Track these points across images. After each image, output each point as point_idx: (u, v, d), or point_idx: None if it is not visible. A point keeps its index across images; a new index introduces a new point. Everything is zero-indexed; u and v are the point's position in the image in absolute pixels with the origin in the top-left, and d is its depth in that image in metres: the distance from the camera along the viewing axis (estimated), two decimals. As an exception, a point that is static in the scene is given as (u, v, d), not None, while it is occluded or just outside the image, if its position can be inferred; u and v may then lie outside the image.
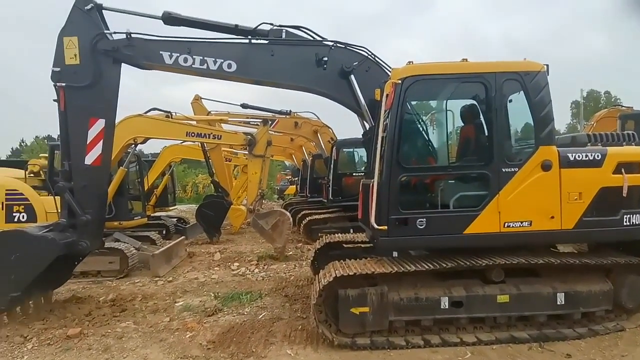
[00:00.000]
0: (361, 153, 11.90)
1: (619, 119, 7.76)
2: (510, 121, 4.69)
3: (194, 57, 5.32)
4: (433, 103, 5.29)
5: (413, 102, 4.82)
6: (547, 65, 4.60)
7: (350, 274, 4.42)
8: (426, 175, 4.74)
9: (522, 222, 4.50)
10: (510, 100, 4.71)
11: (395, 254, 5.24)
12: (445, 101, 4.90)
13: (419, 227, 4.48)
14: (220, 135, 8.80)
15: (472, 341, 4.43)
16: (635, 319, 4.62)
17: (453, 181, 4.69)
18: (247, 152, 9.19)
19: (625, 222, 4.52)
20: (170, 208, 14.60)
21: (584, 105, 40.74)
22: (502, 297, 4.53)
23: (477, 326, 4.63)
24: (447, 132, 4.62)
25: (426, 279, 4.64)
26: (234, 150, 14.59)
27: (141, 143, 8.81)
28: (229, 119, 10.90)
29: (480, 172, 4.58)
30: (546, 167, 4.49)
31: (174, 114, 9.05)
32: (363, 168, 11.72)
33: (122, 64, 5.64)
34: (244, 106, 10.98)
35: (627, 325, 4.52)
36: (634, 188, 4.49)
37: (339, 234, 6.96)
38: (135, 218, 9.40)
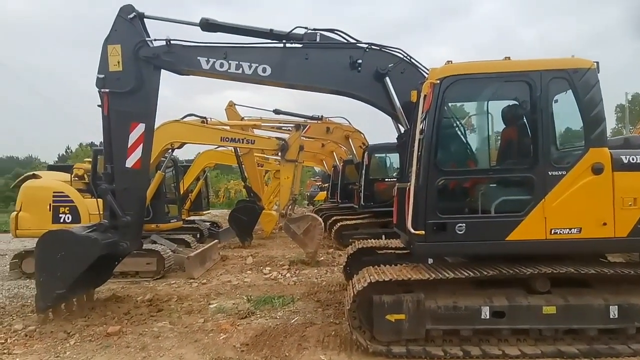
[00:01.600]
0: (393, 158, 11.73)
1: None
2: (556, 122, 4.44)
3: (229, 62, 5.41)
4: (473, 104, 5.10)
5: (452, 103, 4.67)
6: (597, 63, 4.34)
7: (385, 279, 4.30)
8: (466, 179, 4.56)
9: (570, 229, 4.23)
10: (556, 101, 4.47)
11: (430, 260, 5.09)
12: (486, 102, 4.71)
13: (458, 232, 4.31)
14: (254, 140, 8.92)
15: (516, 354, 4.19)
16: None
17: (495, 185, 4.49)
18: (279, 157, 9.25)
19: (686, 230, 4.15)
20: (204, 212, 14.92)
21: (629, 109, 38.55)
22: (548, 309, 4.26)
23: (521, 338, 4.38)
24: (488, 134, 4.42)
25: (465, 287, 4.45)
26: (266, 156, 14.77)
27: (178, 148, 9.06)
28: (262, 124, 11.05)
29: (524, 175, 4.36)
30: (597, 170, 4.21)
31: (209, 119, 9.26)
32: (395, 174, 11.54)
33: (162, 70, 5.82)
34: (276, 112, 11.09)
35: None
36: (697, 193, 4.12)
37: (372, 240, 6.83)
38: (171, 221, 9.65)
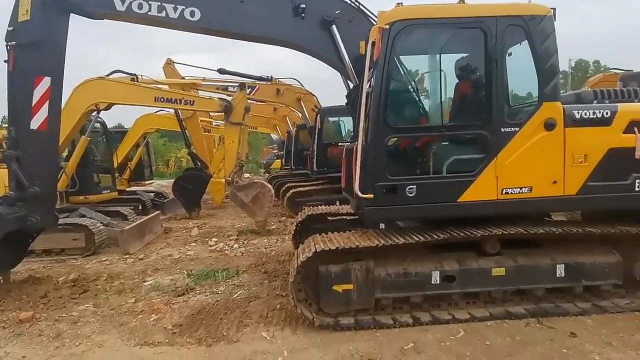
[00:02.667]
0: (347, 122, 11.31)
1: (620, 80, 7.27)
2: (510, 77, 4.14)
3: (150, 2, 4.60)
4: (426, 53, 4.69)
5: (403, 51, 4.22)
6: (554, 9, 4.04)
7: (332, 248, 3.95)
8: (417, 137, 4.21)
9: (521, 189, 4.05)
10: (510, 54, 4.17)
11: (382, 225, 4.81)
12: (439, 51, 4.31)
13: (409, 195, 4.00)
14: (193, 101, 8.10)
15: (465, 318, 4.05)
16: None
17: (447, 143, 4.18)
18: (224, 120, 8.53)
19: (637, 187, 4.10)
20: (147, 182, 13.90)
21: (572, 75, 40.41)
22: (497, 270, 4.13)
23: (470, 302, 4.25)
24: (441, 87, 4.06)
25: (416, 253, 4.20)
26: (213, 121, 13.86)
27: (104, 109, 8.01)
28: (203, 83, 10.10)
29: (477, 132, 4.08)
30: (550, 126, 4.00)
31: (140, 77, 8.25)
32: (350, 138, 11.18)
33: (74, 15, 4.96)
34: (220, 71, 10.15)
35: None
36: (645, 149, 4.04)
37: (323, 206, 6.47)
38: (103, 192, 8.75)
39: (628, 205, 4.20)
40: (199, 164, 11.51)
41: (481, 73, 4.06)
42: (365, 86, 3.98)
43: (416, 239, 3.98)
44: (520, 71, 4.26)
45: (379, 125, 3.93)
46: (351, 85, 5.33)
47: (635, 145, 4.04)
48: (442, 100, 4.12)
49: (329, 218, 6.23)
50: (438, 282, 4.09)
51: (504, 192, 4.04)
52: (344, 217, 6.08)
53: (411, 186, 3.99)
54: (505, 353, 3.44)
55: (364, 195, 3.94)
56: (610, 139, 4.08)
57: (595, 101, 4.36)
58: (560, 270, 4.16)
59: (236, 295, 5.08)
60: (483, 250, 4.21)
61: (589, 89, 6.44)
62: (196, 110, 9.87)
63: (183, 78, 10.35)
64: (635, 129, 4.06)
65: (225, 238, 8.43)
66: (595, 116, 4.07)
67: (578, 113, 4.06)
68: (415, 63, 4.57)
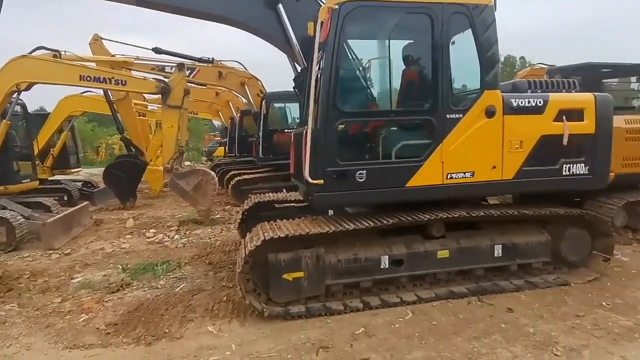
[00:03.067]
0: (294, 108, 11.11)
1: (547, 73, 7.86)
2: (453, 64, 4.23)
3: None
4: (375, 37, 4.66)
5: (353, 33, 4.15)
6: (495, 0, 4.17)
7: (281, 235, 3.83)
8: (367, 122, 4.18)
9: (464, 173, 4.19)
10: (453, 42, 4.26)
11: (330, 212, 4.77)
12: (388, 35, 4.29)
13: (359, 180, 3.97)
14: (125, 81, 7.42)
15: (412, 300, 4.15)
16: (581, 274, 4.60)
17: (396, 129, 4.21)
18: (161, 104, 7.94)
19: (565, 171, 4.42)
20: (74, 170, 12.70)
21: (501, 69, 43.14)
22: (442, 253, 4.28)
23: (417, 284, 4.37)
24: (390, 72, 4.06)
25: (365, 238, 4.21)
26: (149, 104, 12.96)
27: (25, 90, 7.10)
28: (137, 62, 9.29)
29: (424, 118, 4.14)
30: (490, 113, 4.17)
31: (63, 53, 7.39)
32: (297, 123, 11.00)
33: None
34: (156, 51, 9.40)
35: (572, 280, 4.49)
36: (573, 137, 4.36)
37: (270, 193, 6.29)
38: (23, 181, 7.82)
39: (557, 188, 4.53)
40: (134, 150, 10.70)
41: (428, 60, 4.10)
42: (315, 69, 3.85)
43: (366, 224, 3.98)
44: (463, 59, 4.37)
45: (329, 110, 3.84)
46: (299, 69, 5.17)
47: (564, 132, 4.34)
48: (391, 85, 4.11)
49: (277, 205, 6.08)
50: (387, 266, 4.14)
51: (449, 177, 4.15)
52: (292, 204, 5.97)
53: (361, 171, 3.96)
54: (450, 331, 3.56)
55: (314, 181, 3.85)
56: (542, 126, 4.35)
57: (529, 91, 4.61)
58: (498, 251, 4.40)
59: (178, 288, 4.79)
60: (429, 233, 4.32)
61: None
62: (129, 92, 9.11)
63: (113, 56, 9.47)
64: (564, 117, 4.37)
65: (165, 229, 7.96)
66: (530, 105, 4.31)
67: (515, 101, 4.27)
68: (365, 47, 4.52)
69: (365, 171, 3.96)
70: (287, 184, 10.43)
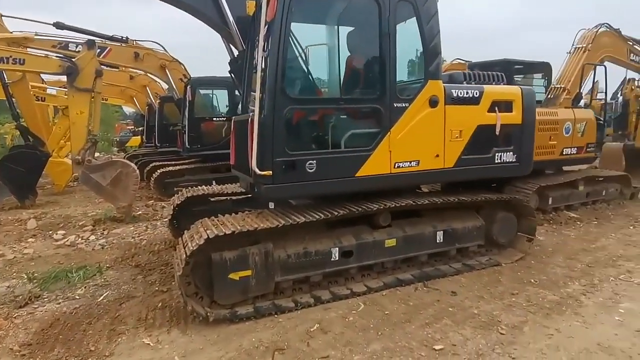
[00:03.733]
0: (222, 95, 10.51)
1: (468, 68, 8.37)
2: (400, 53, 4.22)
3: None
4: (323, 20, 4.47)
5: (300, 15, 3.91)
6: (438, -9, 4.23)
7: (227, 232, 3.51)
8: (316, 109, 3.99)
9: (410, 162, 4.24)
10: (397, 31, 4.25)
11: (271, 205, 4.55)
12: (337, 20, 4.12)
13: (309, 170, 3.79)
14: (23, 60, 6.30)
15: (362, 290, 4.11)
16: (509, 254, 4.95)
17: (345, 117, 4.09)
18: (67, 86, 6.90)
19: (497, 159, 4.69)
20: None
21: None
22: (389, 242, 4.30)
23: (365, 274, 4.35)
24: (339, 58, 3.90)
25: (314, 231, 4.06)
26: (48, 87, 11.29)
27: None
28: (37, 38, 7.91)
29: (372, 107, 4.07)
30: (433, 103, 4.25)
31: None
32: (226, 111, 10.42)
33: None
34: (57, 26, 8.12)
35: (502, 260, 4.82)
36: (503, 127, 4.64)
37: (203, 186, 5.83)
38: None
39: (490, 175, 4.82)
40: (32, 140, 9.24)
41: (375, 47, 4.02)
42: (260, 51, 3.55)
43: (317, 216, 3.83)
44: (408, 49, 4.39)
45: (277, 96, 3.58)
46: (235, 51, 4.79)
47: (496, 122, 4.61)
48: (341, 73, 3.97)
49: (212, 199, 5.66)
50: (337, 258, 4.05)
51: (396, 166, 4.16)
52: (229, 197, 5.60)
53: (311, 161, 3.79)
54: (403, 319, 3.59)
55: (263, 172, 3.58)
56: (478, 116, 4.56)
57: (464, 82, 4.80)
58: (439, 237, 4.56)
59: (101, 297, 4.21)
60: (376, 223, 4.31)
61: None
62: (27, 72, 7.79)
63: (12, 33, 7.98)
64: (496, 108, 4.63)
65: (77, 229, 7.00)
66: (468, 96, 4.48)
67: (455, 92, 4.41)
68: (313, 31, 4.30)
69: (315, 161, 3.79)
70: (217, 175, 9.92)
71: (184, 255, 3.43)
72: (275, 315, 3.72)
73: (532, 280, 4.32)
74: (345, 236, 4.18)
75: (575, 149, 7.24)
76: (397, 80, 4.12)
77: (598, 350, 3.03)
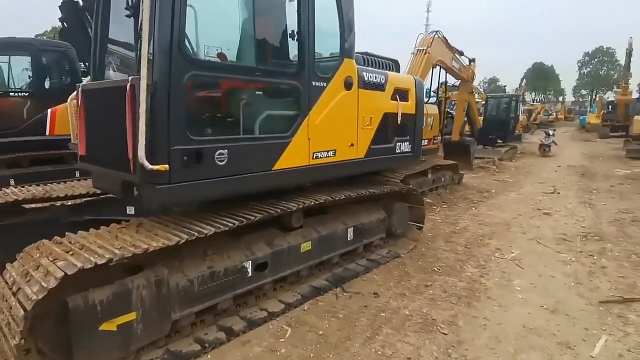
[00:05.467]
0: (19, 63, 7.67)
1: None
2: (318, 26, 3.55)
3: None
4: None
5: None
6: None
7: (99, 262, 2.23)
8: (226, 79, 2.94)
9: (328, 152, 3.66)
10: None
11: (130, 210, 3.39)
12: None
13: (219, 163, 2.78)
14: None
15: (280, 309, 3.37)
16: (403, 244, 4.89)
17: (260, 93, 3.17)
18: None
19: (397, 149, 4.56)
20: None
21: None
22: (305, 245, 3.66)
23: (277, 287, 3.60)
24: (254, 18, 2.95)
25: (217, 242, 3.07)
26: None
27: None
28: None
29: (291, 83, 3.30)
30: (348, 84, 3.77)
31: None
32: (24, 85, 7.72)
33: None
34: None
35: (400, 251, 4.72)
36: (402, 116, 4.52)
37: (13, 189, 3.97)
38: None
39: (391, 165, 4.68)
40: None
41: (294, 11, 3.25)
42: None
43: (230, 223, 2.87)
44: (326, 23, 3.75)
45: (174, 56, 2.45)
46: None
47: (398, 111, 4.46)
48: (257, 36, 3.04)
49: (28, 207, 3.86)
50: (251, 274, 3.17)
51: (315, 157, 3.52)
52: (61, 202, 3.93)
53: (222, 151, 2.78)
54: (341, 338, 3.02)
55: (155, 167, 2.41)
56: (384, 103, 4.32)
57: (363, 65, 4.49)
58: (350, 234, 4.15)
59: None
60: (287, 225, 3.60)
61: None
62: None
63: None
64: (397, 97, 4.48)
65: None
66: (376, 81, 4.17)
67: (366, 75, 4.03)
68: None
69: (226, 150, 2.80)
70: (17, 171, 7.25)
71: (21, 310, 2.01)
72: (176, 369, 2.63)
73: (435, 269, 4.36)
74: (257, 244, 3.33)
75: (427, 140, 8.00)
76: (317, 54, 3.46)
77: (527, 333, 3.12)
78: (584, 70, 64.72)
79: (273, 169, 3.18)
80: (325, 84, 3.52)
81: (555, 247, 5.11)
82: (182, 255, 2.87)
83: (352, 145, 3.91)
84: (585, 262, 4.57)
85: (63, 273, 2.10)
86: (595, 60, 62.46)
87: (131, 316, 2.50)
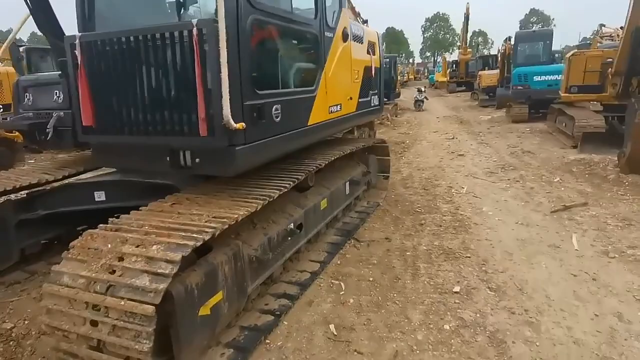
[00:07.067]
0: None
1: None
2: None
3: None
4: None
5: None
6: None
7: (206, 238, 1.94)
8: (276, 27, 2.60)
9: (337, 106, 3.64)
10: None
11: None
12: None
13: (275, 120, 2.56)
14: None
15: (318, 268, 3.34)
16: (376, 194, 5.16)
17: (296, 43, 2.92)
18: None
19: (372, 103, 4.73)
20: None
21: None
22: (323, 203, 3.65)
23: (306, 248, 3.54)
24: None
25: (260, 211, 2.86)
26: None
27: None
28: None
29: (312, 32, 3.13)
30: (346, 36, 3.75)
31: None
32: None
33: None
34: None
35: (377, 200, 4.98)
36: (374, 70, 4.68)
37: None
38: None
39: (368, 119, 4.84)
40: None
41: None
42: None
43: (287, 184, 2.71)
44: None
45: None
46: None
47: (371, 64, 4.60)
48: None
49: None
50: (297, 234, 3.09)
51: (330, 111, 3.46)
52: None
53: (277, 106, 2.56)
54: (392, 279, 3.20)
55: (237, 125, 2.12)
56: (364, 57, 4.40)
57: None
58: (347, 188, 4.25)
59: None
60: (303, 185, 3.51)
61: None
62: None
63: None
64: (369, 50, 4.59)
65: None
66: (359, 33, 4.20)
67: (352, 27, 4.02)
68: None
69: (280, 106, 2.59)
70: None
71: (148, 306, 1.64)
72: (267, 342, 2.48)
73: (417, 210, 4.80)
74: (288, 206, 3.21)
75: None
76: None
77: (524, 243, 3.73)
78: (427, 35, 73.76)
79: (308, 124, 3.05)
80: (332, 35, 3.44)
81: (488, 179, 6.09)
82: (241, 222, 2.61)
83: (350, 99, 3.95)
84: (517, 187, 5.59)
85: (180, 255, 1.76)
86: (435, 25, 71.50)
87: (219, 296, 2.24)
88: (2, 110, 7.96)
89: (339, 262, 3.52)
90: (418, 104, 17.96)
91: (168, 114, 2.16)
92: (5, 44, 3.29)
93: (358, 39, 4.19)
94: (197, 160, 2.31)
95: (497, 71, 17.58)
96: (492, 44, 66.98)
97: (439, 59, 47.45)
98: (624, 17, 6.04)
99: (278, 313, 2.72)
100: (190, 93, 2.06)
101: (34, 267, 3.46)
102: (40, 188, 3.38)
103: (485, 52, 50.98)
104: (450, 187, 5.74)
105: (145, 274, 1.74)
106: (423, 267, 3.40)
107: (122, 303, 1.67)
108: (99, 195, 3.45)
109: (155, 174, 2.95)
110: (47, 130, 3.19)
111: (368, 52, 4.55)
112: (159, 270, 1.73)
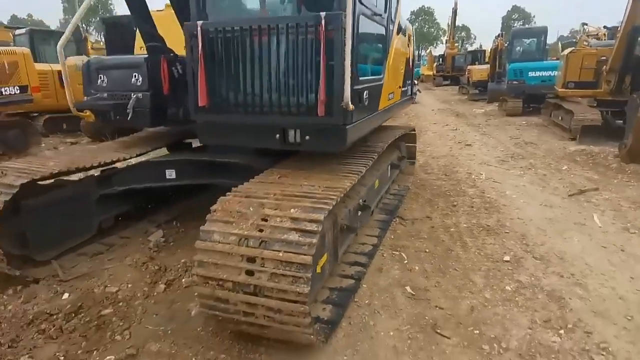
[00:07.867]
0: None
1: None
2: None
3: None
4: None
5: None
6: None
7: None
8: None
9: (392, 93, 3.95)
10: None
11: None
12: None
13: (365, 103, 2.86)
14: None
15: (376, 242, 3.67)
16: (403, 178, 5.44)
17: (375, 32, 3.20)
18: None
19: (408, 92, 5.05)
20: None
21: None
22: (376, 183, 3.97)
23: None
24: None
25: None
26: None
27: None
28: None
29: (384, 25, 3.42)
30: (399, 29, 4.04)
31: None
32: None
33: None
34: None
35: (406, 184, 5.30)
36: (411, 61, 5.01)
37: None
38: None
39: (405, 108, 5.15)
40: None
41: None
42: None
43: (375, 154, 3.01)
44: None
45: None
46: None
47: (409, 55, 4.91)
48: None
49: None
50: (369, 207, 3.39)
51: (388, 98, 3.77)
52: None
53: (366, 91, 2.85)
54: (446, 251, 3.57)
55: (352, 107, 2.41)
56: (406, 48, 4.70)
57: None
58: (389, 171, 4.58)
59: None
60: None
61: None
62: None
63: None
64: (408, 42, 4.90)
65: None
66: (403, 26, 4.49)
67: (401, 20, 4.32)
68: None
69: (367, 91, 2.88)
70: None
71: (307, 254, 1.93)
72: (356, 300, 2.80)
73: (446, 193, 5.18)
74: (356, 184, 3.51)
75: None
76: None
77: (553, 222, 4.15)
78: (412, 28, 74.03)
79: (379, 109, 3.35)
80: (393, 28, 3.73)
81: (501, 166, 6.55)
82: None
83: (399, 87, 4.26)
84: (530, 174, 6.06)
85: (322, 215, 2.05)
86: (420, 18, 72.09)
87: (325, 258, 2.53)
88: (18, 92, 7.86)
89: (392, 236, 3.86)
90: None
91: (285, 97, 2.42)
92: (70, 26, 3.40)
93: (403, 32, 4.49)
94: (307, 137, 2.58)
95: (487, 66, 18.23)
96: (475, 39, 68.43)
97: (424, 52, 48.13)
98: (594, 18, 6.52)
99: (357, 277, 3.03)
100: (313, 77, 2.33)
101: (108, 240, 3.65)
102: (113, 166, 3.58)
103: (469, 47, 52.06)
104: (469, 173, 6.15)
105: (293, 231, 2.02)
106: (469, 240, 3.78)
107: (280, 254, 1.95)
108: (170, 173, 3.67)
109: (231, 153, 3.21)
110: (127, 111, 3.38)
111: (407, 44, 4.85)
112: (308, 228, 2.01)
